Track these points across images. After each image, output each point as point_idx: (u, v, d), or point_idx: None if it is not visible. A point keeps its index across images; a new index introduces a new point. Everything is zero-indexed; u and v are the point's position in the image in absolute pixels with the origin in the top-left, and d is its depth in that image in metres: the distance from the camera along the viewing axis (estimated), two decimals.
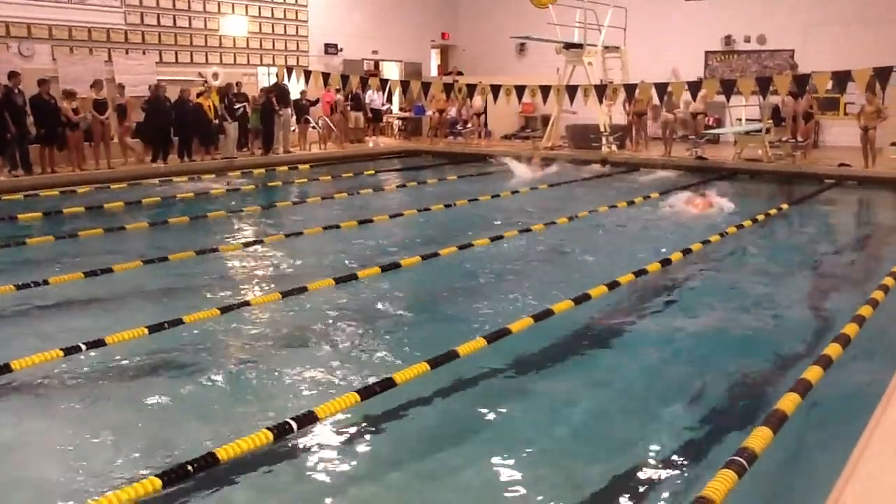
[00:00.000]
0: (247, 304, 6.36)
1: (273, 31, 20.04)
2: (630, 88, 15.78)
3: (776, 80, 14.10)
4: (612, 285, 6.68)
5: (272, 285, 7.32)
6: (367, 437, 4.25)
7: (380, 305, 6.67)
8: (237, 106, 16.68)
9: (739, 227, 9.55)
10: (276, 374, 5.17)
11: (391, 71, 23.78)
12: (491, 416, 4.54)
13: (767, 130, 16.34)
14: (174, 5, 17.68)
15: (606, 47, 18.88)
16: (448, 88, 18.11)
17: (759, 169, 15.56)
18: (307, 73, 17.60)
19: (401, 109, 23.73)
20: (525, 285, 7.37)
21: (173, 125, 15.47)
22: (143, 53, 17.10)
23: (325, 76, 17.60)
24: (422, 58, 24.81)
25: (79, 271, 7.01)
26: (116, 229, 9.49)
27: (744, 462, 3.29)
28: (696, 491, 3.12)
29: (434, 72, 25.52)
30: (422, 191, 13.71)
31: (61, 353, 4.90)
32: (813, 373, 4.38)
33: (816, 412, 4.28)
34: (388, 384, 4.38)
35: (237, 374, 5.14)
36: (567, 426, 4.46)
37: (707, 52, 21.08)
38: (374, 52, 22.95)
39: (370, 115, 21.49)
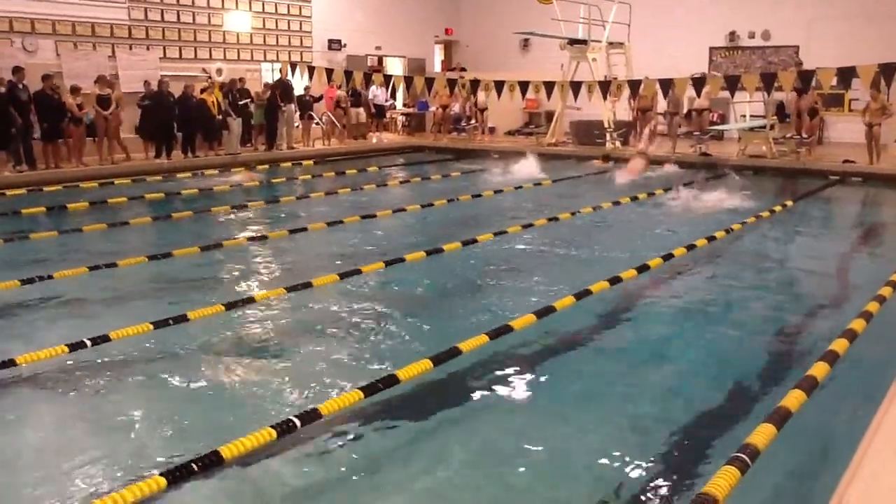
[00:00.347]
0: (251, 300, 6.36)
1: (276, 26, 20.03)
2: (634, 84, 15.73)
3: (781, 76, 14.05)
4: (614, 281, 6.68)
5: (276, 281, 7.32)
6: (371, 434, 4.25)
7: (384, 301, 6.67)
8: (241, 102, 16.69)
9: (744, 223, 9.54)
10: (280, 370, 5.17)
11: (395, 67, 23.77)
12: (494, 413, 4.54)
13: (772, 127, 16.30)
14: (178, 1, 17.68)
15: (610, 43, 18.84)
16: (451, 84, 18.08)
17: (763, 165, 15.52)
18: (311, 69, 17.59)
19: (404, 105, 23.72)
20: (528, 281, 7.37)
21: (177, 121, 15.48)
22: (147, 49, 17.10)
23: (329, 72, 17.59)
24: (425, 53, 24.79)
25: (83, 266, 7.03)
26: (120, 225, 9.50)
27: (747, 459, 3.28)
28: (699, 488, 3.12)
29: (437, 67, 25.50)
30: (425, 186, 13.70)
31: (66, 349, 4.90)
32: (819, 369, 4.36)
33: (821, 408, 4.26)
34: (391, 381, 4.38)
35: (241, 371, 5.14)
36: (568, 421, 4.46)
37: (711, 48, 21.02)
38: (378, 48, 22.93)
39: (373, 110, 21.48)
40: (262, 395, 4.78)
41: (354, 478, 3.82)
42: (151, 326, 5.36)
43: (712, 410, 4.57)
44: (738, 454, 3.31)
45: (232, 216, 10.67)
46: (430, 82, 17.37)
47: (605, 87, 16.05)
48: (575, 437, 4.26)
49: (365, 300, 6.67)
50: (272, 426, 3.72)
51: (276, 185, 14.05)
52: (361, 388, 4.25)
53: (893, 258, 8.17)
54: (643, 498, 3.65)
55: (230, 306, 6.04)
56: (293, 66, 17.75)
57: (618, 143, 18.01)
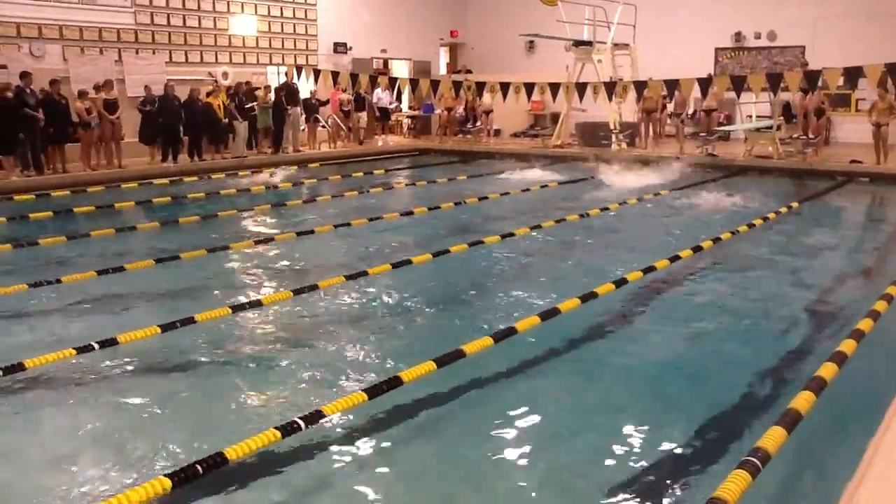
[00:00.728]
0: (258, 302, 6.37)
1: (282, 30, 20.08)
2: (640, 85, 15.71)
3: (787, 76, 14.01)
4: (620, 283, 6.66)
5: (283, 283, 7.33)
6: (375, 435, 4.25)
7: (390, 303, 6.68)
8: (248, 105, 16.73)
9: (751, 225, 9.51)
10: (286, 372, 5.18)
11: (400, 69, 23.78)
12: (498, 414, 4.52)
13: (778, 127, 16.26)
14: (184, 5, 17.74)
15: (616, 44, 18.82)
16: (457, 86, 18.10)
17: (769, 166, 15.48)
18: (316, 73, 17.62)
19: (410, 108, 23.74)
20: (533, 283, 7.36)
21: (183, 125, 15.53)
22: (153, 53, 17.16)
23: (335, 75, 17.63)
24: (431, 56, 24.81)
25: (91, 270, 7.04)
26: (128, 229, 9.53)
27: (757, 462, 3.26)
28: (710, 492, 3.10)
29: (443, 70, 25.51)
30: (431, 189, 13.70)
31: (74, 352, 4.92)
32: (827, 370, 4.34)
33: (831, 410, 4.24)
34: (395, 383, 4.38)
35: (248, 373, 5.15)
36: (575, 424, 4.45)
37: (717, 49, 20.99)
38: (383, 51, 22.96)
39: (378, 114, 21.50)
40: (266, 397, 4.80)
41: (357, 479, 3.82)
42: (159, 329, 5.37)
43: (721, 413, 4.55)
44: (749, 458, 3.29)
45: (239, 219, 10.69)
46: (435, 85, 17.38)
47: (610, 88, 16.03)
48: (582, 442, 4.25)
49: (371, 302, 6.68)
50: (276, 427, 3.73)
51: (283, 187, 14.05)
52: (365, 390, 4.25)
53: None
54: (653, 502, 3.64)
55: (237, 309, 6.05)
56: (299, 69, 17.79)
57: (623, 145, 17.99)
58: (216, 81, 17.36)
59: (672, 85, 14.90)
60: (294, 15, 20.33)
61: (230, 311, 5.93)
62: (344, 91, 19.15)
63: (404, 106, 23.68)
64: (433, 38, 24.86)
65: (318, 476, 3.87)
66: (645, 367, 5.29)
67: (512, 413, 4.54)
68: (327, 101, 19.08)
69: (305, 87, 18.08)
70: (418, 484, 3.84)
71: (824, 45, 18.55)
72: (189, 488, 3.44)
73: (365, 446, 4.14)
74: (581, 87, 16.27)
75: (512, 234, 9.09)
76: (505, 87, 16.22)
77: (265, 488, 3.73)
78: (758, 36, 20.45)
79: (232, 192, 12.89)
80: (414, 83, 17.52)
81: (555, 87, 16.11)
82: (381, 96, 21.08)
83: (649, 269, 7.15)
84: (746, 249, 8.81)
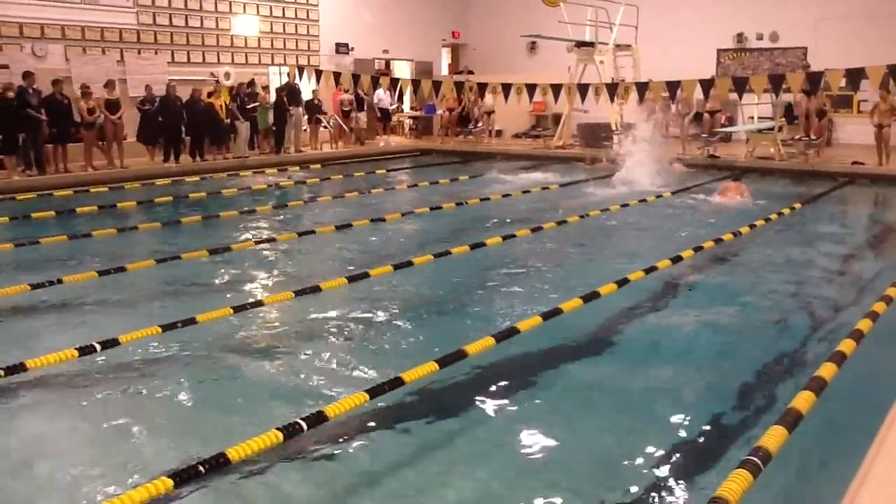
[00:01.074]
0: (259, 303, 6.37)
1: (284, 30, 20.10)
2: (642, 86, 15.70)
3: (789, 77, 14.00)
4: (622, 283, 6.66)
5: (285, 284, 7.33)
6: (377, 436, 4.25)
7: (391, 304, 6.68)
8: (250, 105, 16.75)
9: (752, 226, 9.51)
10: (287, 373, 5.19)
11: (402, 70, 23.80)
12: (500, 414, 4.53)
13: (780, 128, 16.25)
14: (186, 5, 17.77)
15: (618, 45, 18.83)
16: (459, 87, 18.11)
17: (771, 167, 15.47)
18: (318, 73, 17.63)
19: (412, 108, 23.74)
20: (535, 283, 7.36)
21: (185, 125, 15.54)
22: (156, 53, 17.19)
23: (337, 75, 17.64)
24: (432, 56, 24.82)
25: (93, 270, 7.05)
26: (129, 229, 9.53)
27: (758, 462, 3.26)
28: (711, 491, 3.10)
29: (445, 70, 25.52)
30: (433, 189, 13.70)
31: (76, 353, 4.91)
32: (827, 370, 4.34)
33: (831, 409, 4.24)
34: (397, 383, 4.38)
35: (248, 374, 5.16)
36: (575, 424, 4.45)
37: (719, 50, 20.99)
38: (385, 52, 22.97)
39: (378, 114, 21.51)
40: (268, 398, 4.80)
41: (360, 479, 3.82)
42: (160, 329, 5.37)
43: (722, 413, 4.55)
44: (750, 457, 3.28)
45: (240, 219, 10.69)
46: (437, 85, 17.39)
47: (612, 89, 16.03)
48: (582, 441, 4.25)
49: (373, 303, 6.68)
50: (278, 428, 3.72)
51: (285, 188, 14.07)
52: (367, 391, 4.25)
53: None
54: (654, 502, 3.64)
55: (238, 309, 6.04)
56: (301, 69, 17.81)
57: (626, 146, 17.95)
58: (218, 81, 17.37)
59: (674, 86, 14.90)
60: (296, 15, 20.35)
61: (231, 311, 5.92)
62: (346, 91, 19.17)
63: (406, 106, 23.69)
64: (435, 38, 24.87)
65: (320, 477, 3.87)
66: (646, 367, 5.29)
67: (513, 413, 4.54)
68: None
69: (307, 87, 18.08)
70: (420, 484, 3.83)
71: (826, 47, 18.54)
72: (191, 488, 3.44)
73: (367, 447, 4.14)
74: (583, 88, 16.27)
75: (513, 235, 9.09)
76: (507, 87, 16.23)
77: (266, 489, 3.73)
78: (759, 37, 20.45)
79: (233, 192, 12.90)
80: (416, 84, 17.53)
81: (556, 88, 16.11)
82: (382, 97, 21.09)
83: (651, 270, 7.15)
84: (748, 250, 8.81)
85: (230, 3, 18.66)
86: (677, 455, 4.03)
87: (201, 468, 3.39)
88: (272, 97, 17.56)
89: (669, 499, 3.66)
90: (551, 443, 4.19)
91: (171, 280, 7.38)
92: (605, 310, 6.34)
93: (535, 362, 5.32)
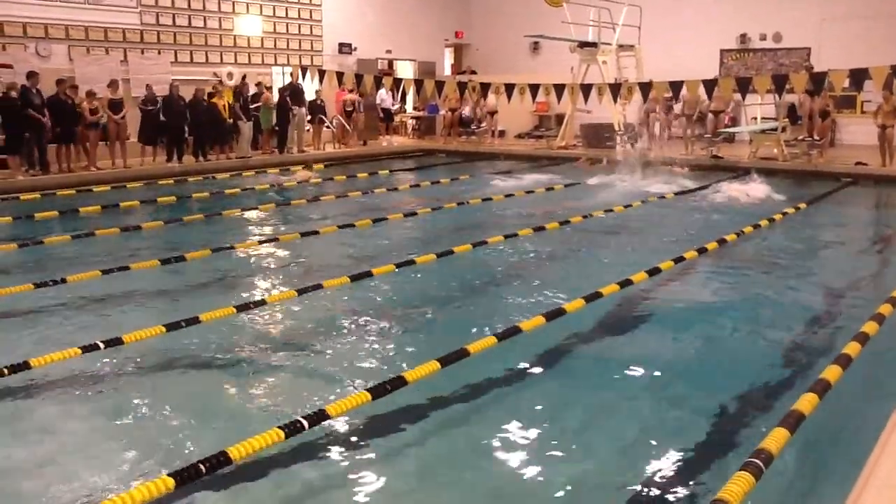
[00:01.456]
0: (262, 302, 6.39)
1: (287, 30, 20.12)
2: (645, 87, 15.68)
3: (792, 77, 13.97)
4: (625, 283, 6.65)
5: (288, 283, 7.34)
6: (378, 435, 4.25)
7: (394, 303, 6.69)
8: (253, 105, 16.76)
9: (756, 226, 9.50)
10: (290, 372, 5.19)
11: (405, 70, 23.80)
12: (502, 413, 4.52)
13: (783, 129, 16.22)
14: (189, 5, 17.79)
15: (621, 46, 18.80)
16: (462, 87, 18.10)
17: (774, 168, 15.44)
18: (321, 73, 17.64)
19: (415, 108, 23.75)
20: (538, 283, 7.35)
21: (188, 125, 15.55)
22: (159, 53, 17.20)
23: (340, 75, 17.64)
24: (435, 57, 24.82)
25: (96, 270, 7.06)
26: (133, 228, 9.55)
27: (760, 464, 3.25)
28: (713, 494, 3.10)
29: (448, 71, 25.52)
30: (435, 189, 13.71)
31: (79, 352, 4.93)
32: (831, 372, 4.34)
33: (834, 411, 4.24)
34: (399, 382, 4.38)
35: (252, 373, 5.16)
36: (578, 424, 4.45)
37: (722, 51, 20.96)
38: (388, 52, 22.97)
39: (381, 115, 21.51)
40: (270, 396, 4.81)
41: (360, 479, 3.82)
42: (164, 329, 5.39)
43: (724, 414, 4.54)
44: (752, 459, 3.28)
45: (244, 219, 10.71)
46: (440, 85, 17.39)
47: (615, 89, 16.01)
48: (585, 443, 4.24)
49: (375, 302, 6.68)
50: (280, 427, 3.73)
51: (288, 187, 14.07)
52: (369, 390, 4.26)
53: None
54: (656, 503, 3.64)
55: (241, 308, 6.06)
56: (304, 69, 17.82)
57: (628, 146, 17.95)
58: (220, 81, 17.39)
59: (677, 87, 14.87)
60: (299, 15, 20.37)
61: (235, 310, 5.94)
62: (350, 91, 19.18)
63: (409, 107, 23.69)
64: (438, 38, 24.87)
65: (321, 476, 3.87)
66: (648, 367, 5.27)
67: (515, 413, 4.53)
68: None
69: (310, 87, 18.09)
70: (422, 484, 3.84)
71: (829, 47, 18.51)
72: (192, 487, 3.44)
73: (368, 447, 4.14)
74: (586, 89, 16.23)
75: (516, 235, 9.09)
76: (510, 88, 16.21)
77: (268, 488, 3.73)
78: (763, 37, 20.42)
79: (237, 192, 12.91)
80: (418, 84, 17.52)
81: (559, 89, 16.09)
82: (385, 97, 21.09)
83: (654, 271, 7.15)
84: (751, 251, 8.80)
85: (233, 3, 18.68)
86: (679, 456, 4.02)
87: (202, 467, 3.40)
88: (275, 97, 17.55)
89: (671, 500, 3.65)
90: (549, 444, 4.18)
91: (174, 279, 7.39)
92: (607, 310, 6.34)
93: (537, 362, 5.32)
